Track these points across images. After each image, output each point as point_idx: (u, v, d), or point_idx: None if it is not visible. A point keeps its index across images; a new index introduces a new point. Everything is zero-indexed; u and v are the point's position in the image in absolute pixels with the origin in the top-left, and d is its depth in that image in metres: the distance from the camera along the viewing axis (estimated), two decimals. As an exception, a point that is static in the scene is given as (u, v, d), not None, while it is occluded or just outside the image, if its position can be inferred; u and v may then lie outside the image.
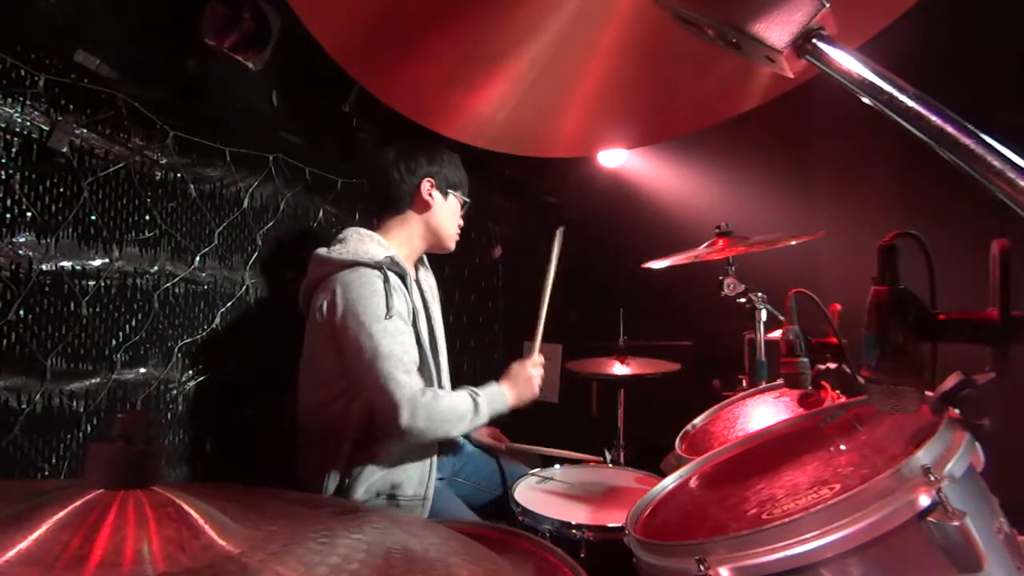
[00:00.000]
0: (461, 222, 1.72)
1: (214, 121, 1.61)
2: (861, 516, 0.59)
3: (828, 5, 0.40)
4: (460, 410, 1.44)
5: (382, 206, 1.64)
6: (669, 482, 0.97)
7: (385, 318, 1.38)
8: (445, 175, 1.65)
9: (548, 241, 1.77)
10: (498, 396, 1.53)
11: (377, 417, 1.43)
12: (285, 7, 1.48)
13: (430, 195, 1.62)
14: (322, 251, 1.49)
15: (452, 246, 1.71)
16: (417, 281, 1.68)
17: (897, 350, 0.63)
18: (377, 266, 1.43)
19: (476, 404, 1.47)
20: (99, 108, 1.36)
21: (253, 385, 1.69)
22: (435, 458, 1.55)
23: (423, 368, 1.48)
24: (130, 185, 1.43)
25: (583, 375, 2.30)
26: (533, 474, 1.65)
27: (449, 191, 1.66)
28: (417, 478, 1.50)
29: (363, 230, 1.56)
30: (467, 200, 1.72)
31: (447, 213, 1.66)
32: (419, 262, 1.75)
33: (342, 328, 1.39)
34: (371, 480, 1.44)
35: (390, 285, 1.41)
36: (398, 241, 1.61)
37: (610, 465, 1.79)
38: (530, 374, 1.61)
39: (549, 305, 1.73)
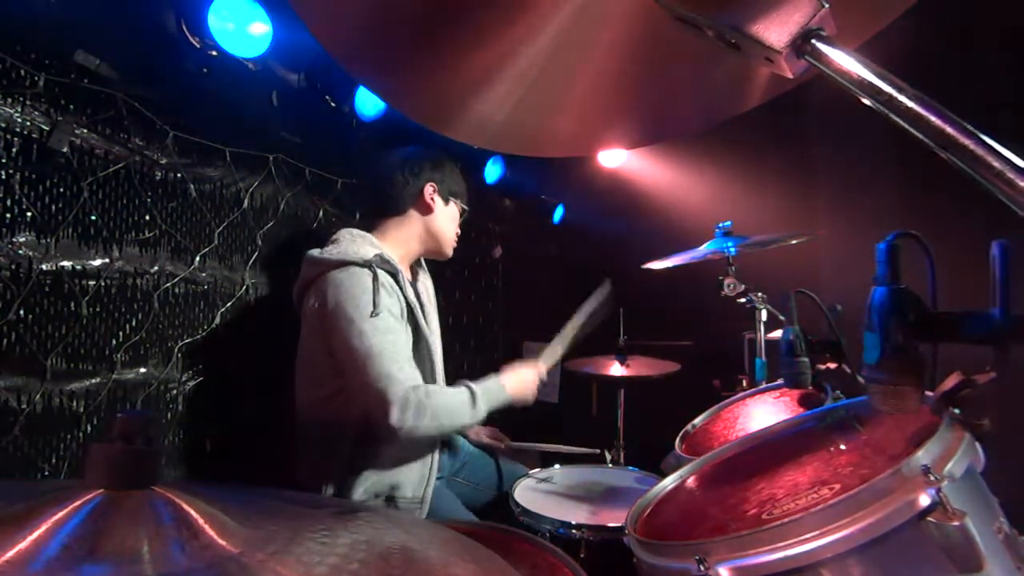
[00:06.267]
0: (459, 231, 1.75)
1: (214, 121, 1.61)
2: (861, 516, 0.59)
3: (827, 5, 0.40)
4: (455, 405, 1.42)
5: (382, 208, 1.65)
6: (669, 482, 0.97)
7: (373, 315, 1.37)
8: (448, 183, 1.68)
9: (592, 288, 1.78)
10: (496, 390, 1.50)
11: (371, 416, 1.43)
12: (285, 7, 1.49)
13: (432, 199, 1.64)
14: (314, 252, 1.50)
15: (450, 252, 1.73)
16: (413, 283, 1.68)
17: (897, 350, 0.63)
18: (366, 264, 1.43)
19: (473, 398, 1.44)
20: (99, 108, 1.36)
21: (253, 385, 1.69)
22: (435, 459, 1.55)
23: (418, 368, 1.47)
24: (130, 185, 1.43)
25: (583, 375, 2.30)
26: (532, 475, 1.65)
27: (450, 198, 1.69)
28: (416, 479, 1.50)
29: (356, 231, 1.56)
30: (466, 208, 1.75)
31: (446, 219, 1.69)
32: (417, 265, 1.76)
33: (334, 327, 1.39)
34: (369, 482, 1.44)
35: (379, 283, 1.41)
36: (395, 242, 1.62)
37: (610, 465, 1.80)
38: (532, 379, 1.59)
39: (573, 337, 1.73)
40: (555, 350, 1.70)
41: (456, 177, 1.71)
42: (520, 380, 1.57)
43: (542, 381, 1.64)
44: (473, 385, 1.48)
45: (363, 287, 1.40)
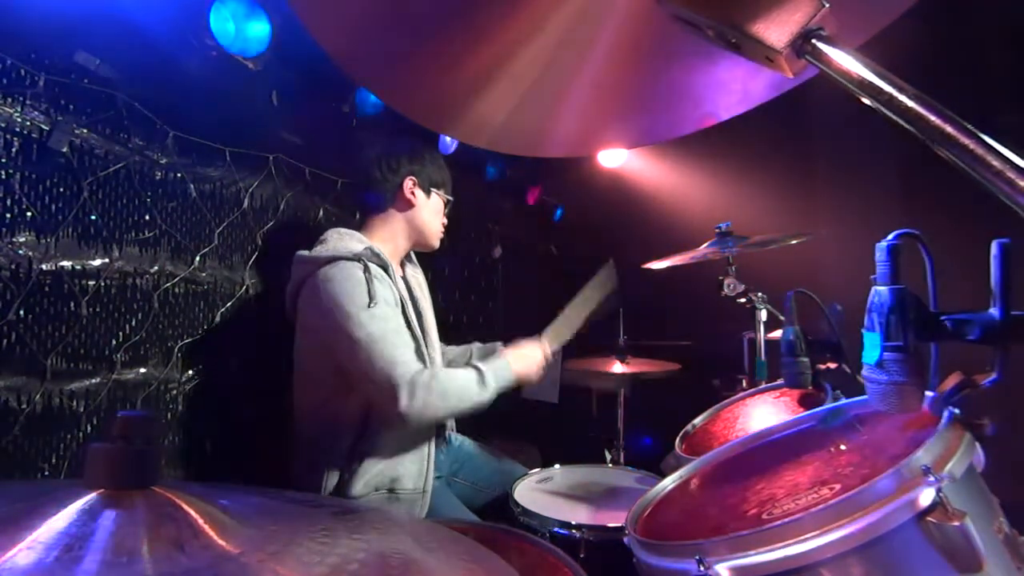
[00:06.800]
0: (445, 220, 1.73)
1: (214, 121, 1.61)
2: (861, 516, 0.59)
3: (828, 5, 0.40)
4: (463, 384, 1.40)
5: (365, 205, 1.65)
6: (669, 482, 0.97)
7: (370, 306, 1.37)
8: (428, 174, 1.65)
9: (598, 266, 1.73)
10: (504, 369, 1.48)
11: (375, 408, 1.42)
12: (285, 7, 1.49)
13: (412, 193, 1.62)
14: (303, 252, 1.50)
15: (436, 244, 1.72)
16: (404, 277, 1.67)
17: (897, 350, 0.63)
18: (356, 258, 1.42)
19: (481, 377, 1.42)
20: (99, 108, 1.36)
21: (253, 385, 1.69)
22: (432, 450, 1.55)
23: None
24: (130, 185, 1.43)
25: (583, 375, 2.30)
26: (532, 475, 1.65)
27: (432, 189, 1.66)
28: (416, 471, 1.49)
29: (343, 229, 1.56)
30: (450, 198, 1.72)
31: (430, 211, 1.66)
32: (406, 259, 1.75)
33: (331, 323, 1.38)
34: (369, 475, 1.43)
35: (371, 274, 1.41)
36: (381, 239, 1.61)
37: (610, 465, 1.80)
38: (537, 358, 1.56)
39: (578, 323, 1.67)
40: (559, 332, 1.65)
41: (437, 166, 1.67)
42: (525, 359, 1.54)
43: (547, 362, 1.61)
44: (480, 364, 1.46)
45: (356, 279, 1.39)
